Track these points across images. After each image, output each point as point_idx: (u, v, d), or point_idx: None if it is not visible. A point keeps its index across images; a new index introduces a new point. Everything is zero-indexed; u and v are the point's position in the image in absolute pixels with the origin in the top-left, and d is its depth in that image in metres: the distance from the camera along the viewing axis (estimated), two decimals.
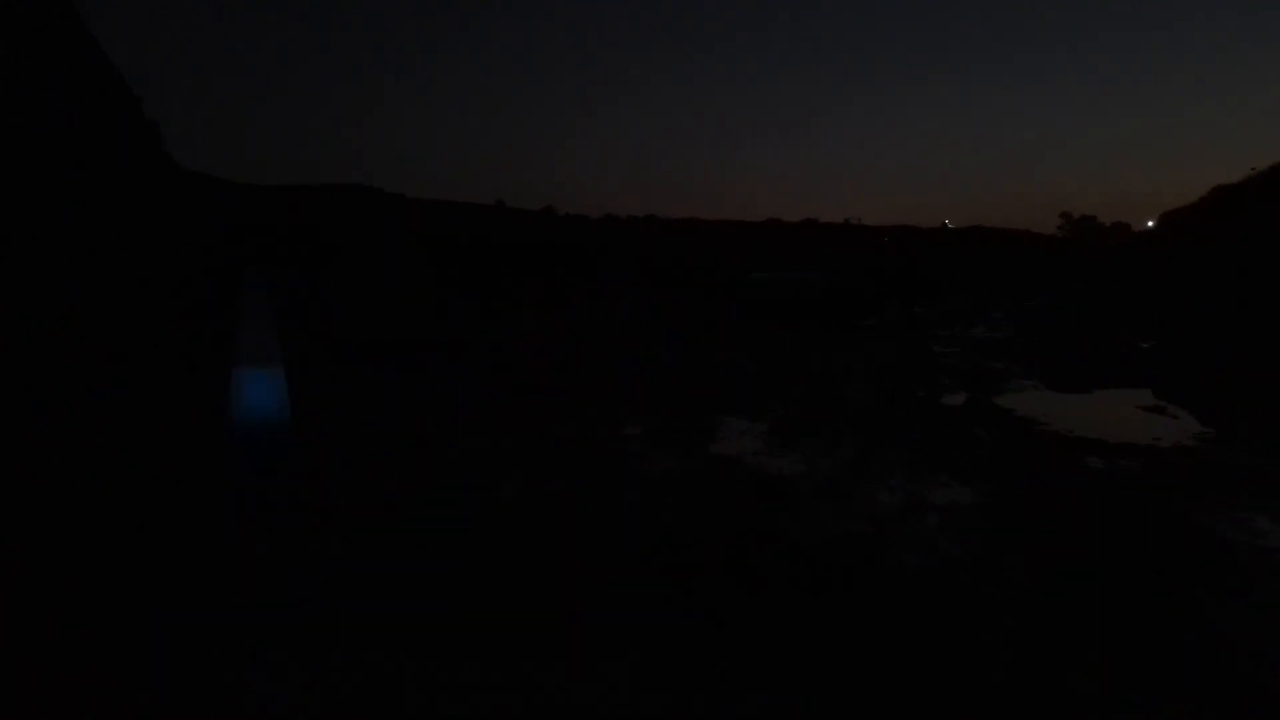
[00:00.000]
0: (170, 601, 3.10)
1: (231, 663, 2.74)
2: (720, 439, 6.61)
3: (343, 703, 2.53)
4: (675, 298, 23.06)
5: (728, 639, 2.98)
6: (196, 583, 3.19)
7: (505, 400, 8.04)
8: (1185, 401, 8.78)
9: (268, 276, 4.31)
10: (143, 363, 9.08)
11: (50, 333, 5.56)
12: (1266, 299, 20.54)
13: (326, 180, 12.88)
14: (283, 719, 2.44)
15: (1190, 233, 35.98)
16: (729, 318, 20.00)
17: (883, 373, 11.09)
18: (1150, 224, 44.16)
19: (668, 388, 9.37)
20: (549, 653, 2.83)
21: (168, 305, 9.47)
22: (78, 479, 4.61)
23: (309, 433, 5.84)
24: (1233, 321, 18.62)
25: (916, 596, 3.22)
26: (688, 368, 11.23)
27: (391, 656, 2.84)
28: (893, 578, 3.37)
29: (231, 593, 3.16)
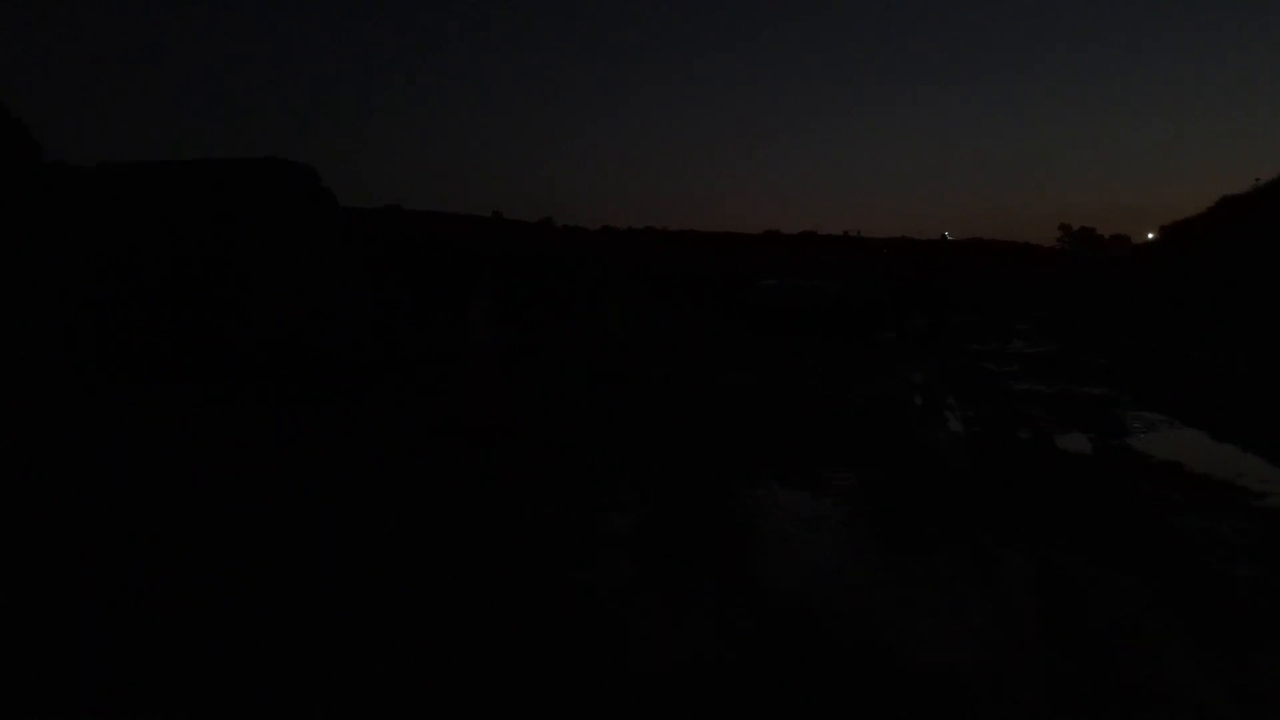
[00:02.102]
0: None
1: None
2: (771, 545, 3.51)
3: None
4: (675, 308, 20.01)
5: None
6: None
7: (425, 453, 4.94)
8: None
9: None
10: None
11: None
12: None
13: (235, 153, 9.57)
14: None
15: (1199, 243, 33.01)
16: (737, 330, 16.92)
17: (953, 403, 8.01)
18: (1150, 235, 41.16)
19: (671, 431, 6.27)
20: None
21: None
22: None
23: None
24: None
25: None
26: (697, 398, 8.12)
27: None
28: None
29: None
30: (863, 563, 3.27)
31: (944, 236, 41.59)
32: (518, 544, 3.34)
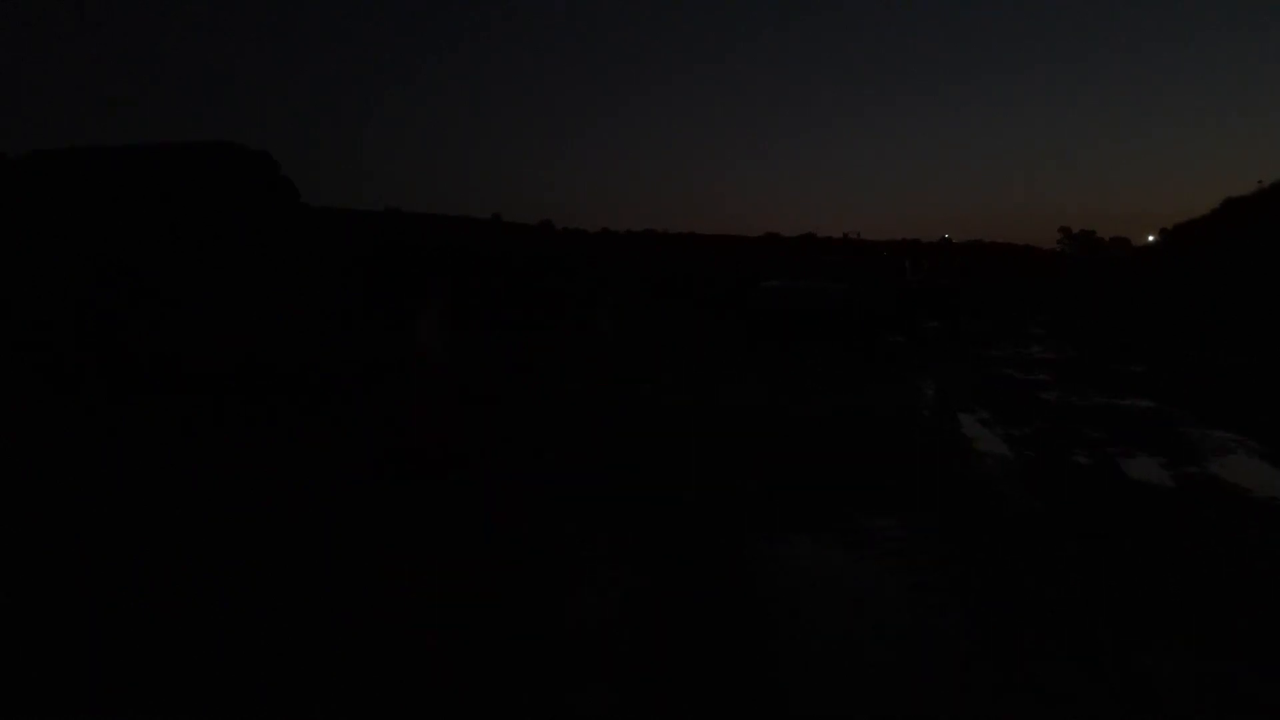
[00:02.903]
0: None
1: None
2: (808, 650, 2.41)
3: None
4: (673, 311, 18.92)
5: None
6: None
7: (350, 499, 3.83)
8: None
9: None
10: None
11: None
12: None
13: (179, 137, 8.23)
14: None
15: (1202, 244, 31.88)
16: (738, 333, 15.81)
17: (989, 418, 6.90)
18: (1151, 238, 40.03)
19: (665, 461, 5.16)
20: None
21: None
22: None
23: None
24: None
25: None
26: (696, 416, 7.01)
27: None
28: None
29: None
30: (946, 689, 2.15)
31: (945, 239, 40.56)
32: (452, 655, 2.24)
